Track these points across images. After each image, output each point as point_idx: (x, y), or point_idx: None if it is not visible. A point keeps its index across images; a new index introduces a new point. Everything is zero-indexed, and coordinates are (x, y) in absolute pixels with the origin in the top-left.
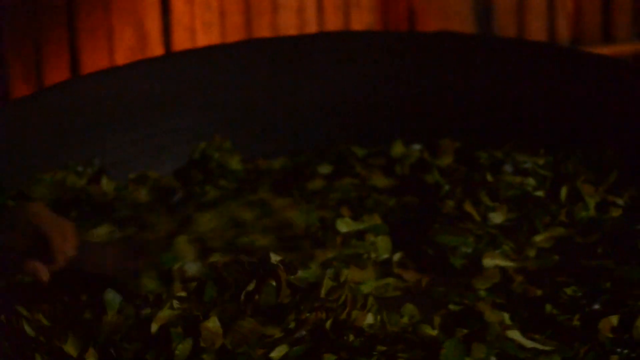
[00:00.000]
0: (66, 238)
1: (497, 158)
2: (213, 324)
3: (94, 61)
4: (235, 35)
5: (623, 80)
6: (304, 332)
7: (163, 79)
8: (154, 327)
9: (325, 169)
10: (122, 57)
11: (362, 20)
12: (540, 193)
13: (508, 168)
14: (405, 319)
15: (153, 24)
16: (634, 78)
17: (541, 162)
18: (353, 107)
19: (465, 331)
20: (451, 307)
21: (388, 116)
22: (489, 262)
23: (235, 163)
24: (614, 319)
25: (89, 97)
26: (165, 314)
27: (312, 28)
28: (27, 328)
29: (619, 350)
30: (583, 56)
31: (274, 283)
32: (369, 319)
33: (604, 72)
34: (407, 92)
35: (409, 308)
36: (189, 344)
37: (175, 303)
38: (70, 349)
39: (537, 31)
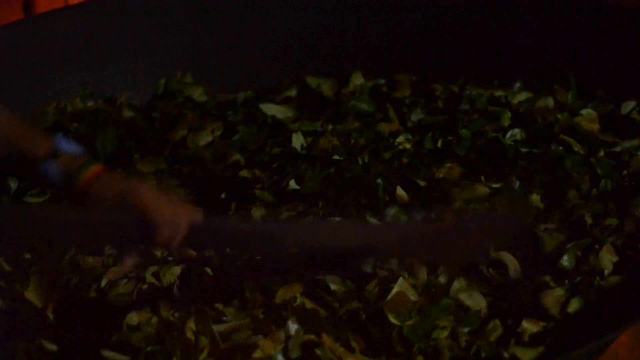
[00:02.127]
0: (176, 223)
1: (452, 91)
2: None
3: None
4: None
5: (582, 11)
6: None
7: (117, 19)
8: None
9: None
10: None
11: None
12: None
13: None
14: None
15: None
16: (593, 8)
17: (497, 93)
18: (312, 42)
19: None
20: None
21: (348, 53)
22: None
23: (199, 95)
24: None
25: (43, 37)
26: None
27: None
28: None
29: None
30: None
31: None
32: None
33: (561, 2)
34: (365, 31)
35: None
36: None
37: None
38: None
39: None
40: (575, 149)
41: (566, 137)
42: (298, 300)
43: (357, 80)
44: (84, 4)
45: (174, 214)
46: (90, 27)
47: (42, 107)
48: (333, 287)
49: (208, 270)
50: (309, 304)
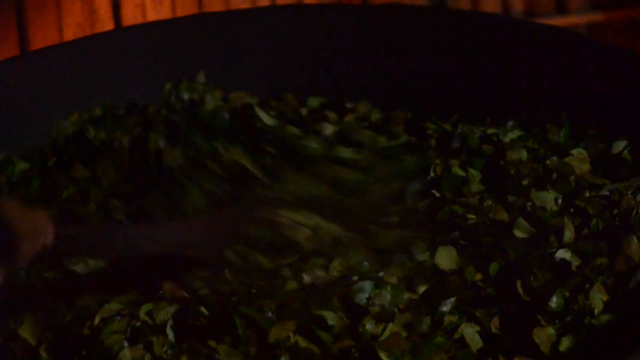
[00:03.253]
0: (37, 235)
1: (444, 129)
2: None
3: (42, 38)
4: (186, 10)
5: (575, 51)
6: None
7: (113, 53)
8: None
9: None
10: (71, 34)
11: None
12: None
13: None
14: None
15: (102, 0)
16: (585, 48)
17: (489, 131)
18: (304, 82)
19: None
20: None
21: (341, 90)
22: None
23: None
24: None
25: (38, 73)
26: None
27: (264, 2)
28: None
29: None
30: (532, 27)
31: None
32: None
33: (554, 43)
34: (357, 66)
35: None
36: None
37: None
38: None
39: (491, 3)
40: (548, 206)
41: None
42: (292, 339)
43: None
44: (79, 40)
45: (34, 226)
46: (87, 62)
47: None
48: (331, 322)
49: (203, 309)
50: (302, 342)
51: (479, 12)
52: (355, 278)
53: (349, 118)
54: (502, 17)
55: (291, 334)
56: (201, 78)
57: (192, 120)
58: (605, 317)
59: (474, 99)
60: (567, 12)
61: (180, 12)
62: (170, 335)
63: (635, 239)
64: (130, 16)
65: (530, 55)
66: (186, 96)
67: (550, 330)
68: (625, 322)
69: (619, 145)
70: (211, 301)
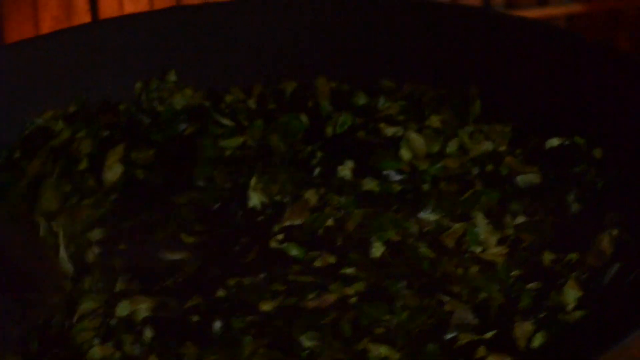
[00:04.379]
0: None
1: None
2: None
3: (18, 32)
4: (163, 2)
5: (547, 42)
6: None
7: (90, 46)
8: None
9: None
10: (47, 27)
11: None
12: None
13: None
14: None
15: None
16: (561, 40)
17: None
18: (277, 73)
19: None
20: None
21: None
22: None
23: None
24: None
25: (13, 67)
26: None
27: None
28: None
29: None
30: (507, 19)
31: None
32: None
33: (530, 35)
34: (331, 54)
35: None
36: None
37: None
38: None
39: None
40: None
41: None
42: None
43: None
44: (55, 33)
45: None
46: (63, 56)
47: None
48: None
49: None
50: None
51: (457, 4)
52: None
53: None
54: (480, 10)
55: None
56: (172, 77)
57: (156, 121)
58: (578, 313)
59: (454, 92)
60: (547, 4)
61: (158, 5)
62: (148, 333)
63: (608, 234)
64: (108, 9)
65: (506, 48)
66: (155, 95)
67: (529, 326)
68: (599, 318)
69: (554, 142)
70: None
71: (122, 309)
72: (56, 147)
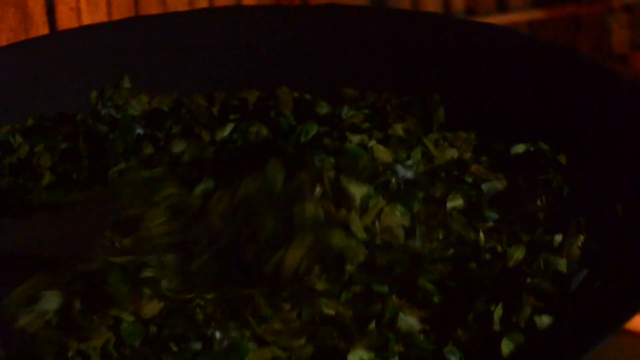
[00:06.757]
0: None
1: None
2: None
3: None
4: (122, 14)
5: (510, 47)
6: None
7: (47, 58)
8: None
9: None
10: (4, 39)
11: None
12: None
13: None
14: None
15: (36, 5)
16: (519, 44)
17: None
18: (237, 83)
19: None
20: None
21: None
22: None
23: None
24: None
25: None
26: None
27: (202, 3)
28: None
29: None
30: (467, 25)
31: None
32: None
33: (488, 40)
34: (291, 63)
35: None
36: None
37: None
38: None
39: (431, 2)
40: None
41: None
42: None
43: None
44: (12, 45)
45: None
46: (20, 68)
47: None
48: None
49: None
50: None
51: (417, 11)
52: None
53: None
54: (441, 16)
55: None
56: (126, 83)
57: (114, 130)
58: (546, 320)
59: (417, 99)
60: (508, 10)
61: (117, 16)
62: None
63: (574, 240)
64: (65, 20)
65: (468, 54)
66: (110, 103)
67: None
68: (567, 325)
69: (519, 147)
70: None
71: None
72: (19, 160)
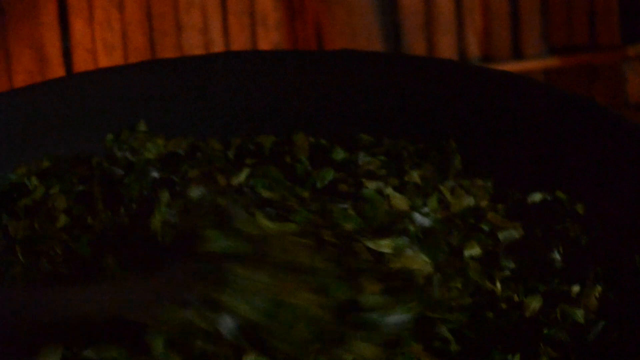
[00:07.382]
0: None
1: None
2: None
3: None
4: (138, 56)
5: (527, 96)
6: None
7: (63, 100)
8: None
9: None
10: (21, 81)
11: (269, 39)
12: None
13: None
14: None
15: (53, 47)
16: (536, 93)
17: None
18: (253, 128)
19: None
20: None
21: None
22: None
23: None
24: None
25: None
26: None
27: (218, 47)
28: None
29: None
30: (484, 72)
31: None
32: None
33: (505, 88)
34: (307, 109)
35: None
36: None
37: None
38: None
39: (446, 48)
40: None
41: None
42: None
43: None
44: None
45: None
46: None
47: None
48: None
49: None
50: None
51: (433, 57)
52: None
53: None
54: (457, 63)
55: None
56: (142, 126)
57: (129, 173)
58: None
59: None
60: (524, 57)
61: (133, 59)
62: None
63: (595, 291)
64: (82, 62)
65: (484, 102)
66: (125, 146)
67: None
68: None
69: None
70: None
71: None
72: (35, 202)
